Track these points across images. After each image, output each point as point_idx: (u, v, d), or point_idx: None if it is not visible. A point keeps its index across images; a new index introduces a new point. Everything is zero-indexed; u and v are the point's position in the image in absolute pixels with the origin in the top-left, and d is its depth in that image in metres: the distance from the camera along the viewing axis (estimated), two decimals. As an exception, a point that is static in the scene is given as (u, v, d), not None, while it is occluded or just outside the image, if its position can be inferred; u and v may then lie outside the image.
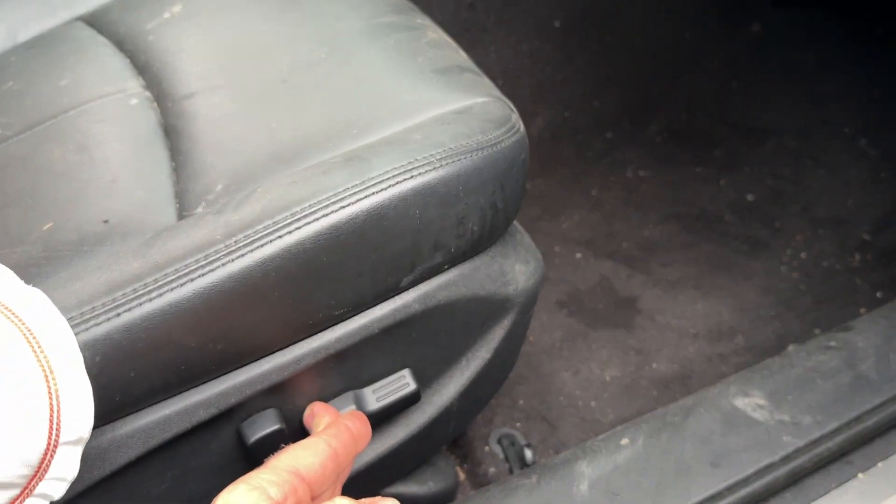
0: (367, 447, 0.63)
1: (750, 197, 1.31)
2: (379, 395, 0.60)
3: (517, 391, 1.01)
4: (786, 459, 0.67)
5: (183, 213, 0.55)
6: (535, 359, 1.05)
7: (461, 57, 0.67)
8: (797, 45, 1.52)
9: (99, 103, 0.65)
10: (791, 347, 0.84)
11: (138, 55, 0.71)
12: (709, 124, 1.45)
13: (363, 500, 0.47)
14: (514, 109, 0.62)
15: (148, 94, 0.67)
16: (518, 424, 0.97)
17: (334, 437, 0.51)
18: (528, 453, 0.89)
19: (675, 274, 1.18)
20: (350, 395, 0.60)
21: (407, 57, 0.65)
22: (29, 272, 0.50)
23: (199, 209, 0.54)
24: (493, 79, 1.35)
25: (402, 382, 0.61)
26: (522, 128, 0.60)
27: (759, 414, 0.71)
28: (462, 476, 0.93)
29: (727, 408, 0.72)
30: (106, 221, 0.54)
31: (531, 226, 1.26)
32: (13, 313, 0.40)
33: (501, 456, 0.92)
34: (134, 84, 0.68)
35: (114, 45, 0.73)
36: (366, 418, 0.57)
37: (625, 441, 0.70)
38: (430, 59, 0.65)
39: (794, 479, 0.68)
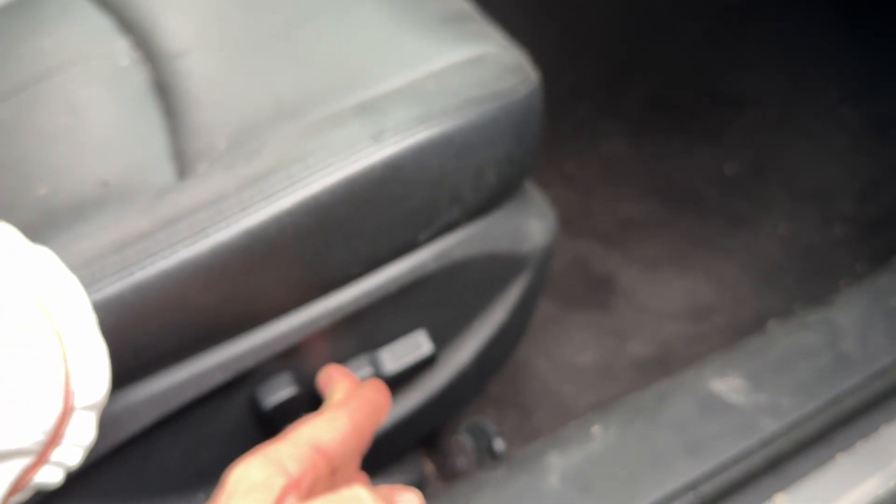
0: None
1: (729, 170, 1.29)
2: (395, 356, 0.60)
3: (489, 378, 0.99)
4: (764, 443, 0.66)
5: (184, 172, 0.54)
6: (508, 343, 1.03)
7: (467, 6, 0.65)
8: (776, 13, 1.50)
9: (87, 65, 0.64)
10: (771, 323, 0.83)
11: (124, 13, 0.68)
12: (686, 95, 1.42)
13: (381, 486, 0.46)
14: (527, 58, 0.60)
15: (138, 53, 0.65)
16: (490, 411, 0.95)
17: (356, 409, 0.49)
18: (498, 443, 0.87)
19: (653, 251, 1.16)
20: (365, 357, 0.60)
21: (412, 6, 0.63)
22: (27, 237, 0.49)
23: (202, 168, 0.53)
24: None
25: (417, 343, 0.61)
26: (536, 77, 0.58)
27: (737, 397, 0.70)
28: (431, 468, 0.91)
29: (703, 392, 0.71)
30: (105, 183, 0.53)
31: (504, 205, 1.24)
32: (19, 273, 0.38)
33: (472, 446, 0.90)
34: (122, 43, 0.65)
35: (98, 3, 0.71)
36: (386, 388, 0.55)
37: (596, 429, 0.68)
38: (437, 9, 0.63)
39: (773, 463, 0.67)
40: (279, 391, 0.56)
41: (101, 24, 0.68)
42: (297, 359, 0.56)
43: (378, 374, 0.60)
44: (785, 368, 0.72)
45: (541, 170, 1.27)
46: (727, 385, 0.71)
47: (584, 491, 0.63)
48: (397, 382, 0.61)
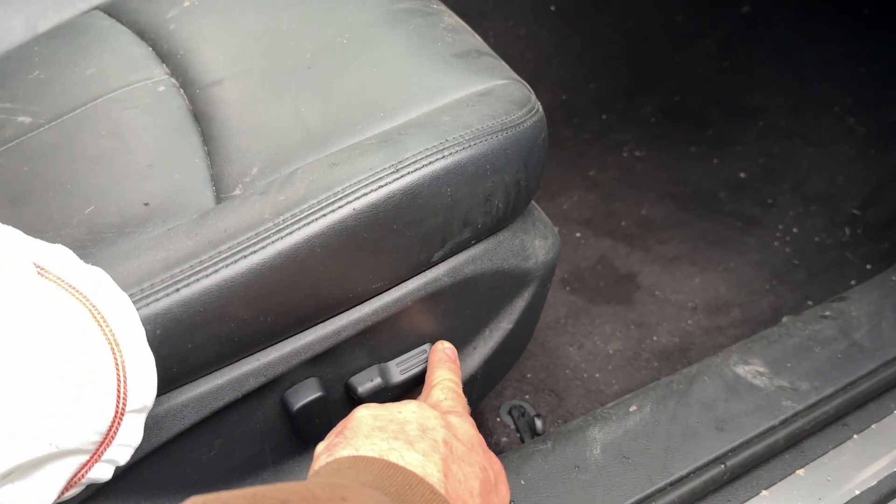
0: None
1: (742, 175, 1.34)
2: (403, 368, 0.63)
3: (525, 365, 1.04)
4: (785, 423, 0.70)
5: (220, 195, 0.57)
6: (541, 334, 1.08)
7: (478, 41, 0.69)
8: (786, 26, 1.54)
9: (127, 90, 0.67)
10: (786, 319, 0.87)
11: (160, 44, 0.72)
12: (701, 104, 1.47)
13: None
14: (532, 91, 0.64)
15: (174, 81, 0.68)
16: (527, 396, 1.00)
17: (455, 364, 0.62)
18: (539, 423, 0.92)
19: (673, 250, 1.21)
20: (376, 368, 0.63)
21: (427, 42, 0.67)
22: (76, 254, 0.51)
23: (237, 191, 0.57)
24: (492, 63, 1.37)
25: (424, 356, 0.64)
26: (541, 108, 0.62)
27: (760, 381, 0.74)
28: (475, 446, 0.96)
29: (729, 375, 0.74)
30: (147, 204, 0.56)
31: (531, 206, 1.28)
32: (77, 291, 0.42)
33: (512, 426, 0.95)
34: (159, 72, 0.69)
35: (135, 33, 0.74)
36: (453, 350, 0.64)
37: (633, 408, 0.72)
38: (450, 44, 0.67)
39: (794, 441, 0.70)
40: (306, 395, 0.59)
41: (139, 53, 0.72)
42: (322, 365, 0.59)
43: (387, 384, 0.63)
44: (802, 356, 0.76)
45: (566, 175, 1.34)
46: (750, 370, 0.75)
47: (624, 461, 0.67)
48: (407, 390, 0.65)
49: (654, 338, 1.08)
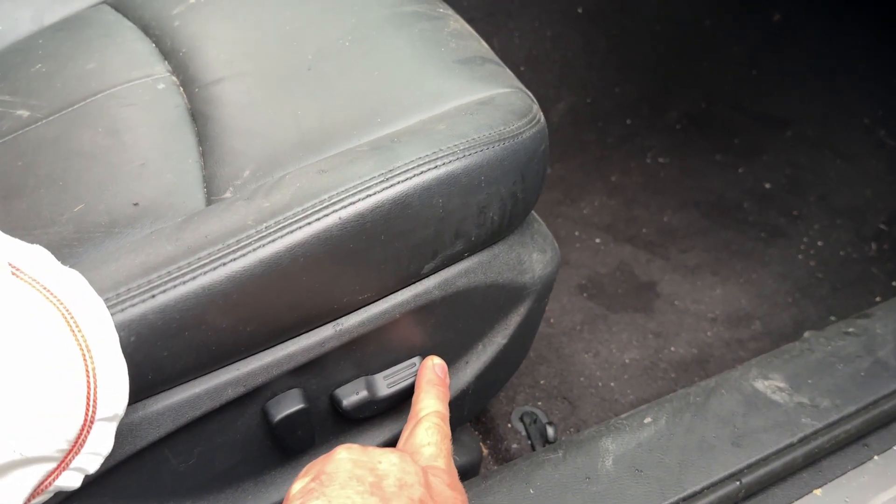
0: (381, 430, 0.65)
1: (768, 185, 1.32)
2: (390, 381, 0.62)
3: (539, 371, 1.02)
4: (804, 440, 0.68)
5: (211, 197, 0.56)
6: (556, 340, 1.06)
7: (483, 47, 0.68)
8: (817, 35, 1.52)
9: (127, 87, 0.66)
10: (808, 333, 0.85)
11: (164, 40, 0.71)
12: (728, 112, 1.46)
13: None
14: (535, 101, 0.62)
15: (174, 78, 0.67)
16: (539, 403, 0.99)
17: (445, 388, 0.60)
18: (550, 430, 0.91)
19: (694, 259, 1.20)
20: (362, 381, 0.61)
21: (430, 46, 0.65)
22: (62, 252, 0.51)
23: (227, 194, 0.55)
24: (517, 64, 1.37)
25: (413, 371, 0.62)
26: (543, 119, 0.61)
27: (779, 396, 0.72)
28: (485, 451, 0.95)
29: (748, 390, 0.73)
30: (136, 204, 0.55)
31: (552, 210, 1.27)
32: (52, 293, 0.41)
33: (523, 433, 0.94)
34: (160, 69, 0.68)
35: (140, 29, 0.74)
36: (443, 368, 0.62)
37: (648, 420, 0.71)
38: (453, 50, 0.65)
39: (812, 460, 0.69)
40: (287, 406, 0.57)
41: (142, 50, 0.71)
42: (306, 376, 0.58)
43: (373, 398, 0.61)
44: (824, 372, 0.74)
45: (588, 179, 1.33)
46: (770, 385, 0.73)
47: (636, 474, 0.66)
48: (395, 403, 0.63)
49: (672, 348, 1.07)
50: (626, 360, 1.05)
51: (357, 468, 0.46)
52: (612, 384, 1.01)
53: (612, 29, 1.47)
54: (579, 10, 1.42)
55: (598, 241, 1.23)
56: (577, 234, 1.24)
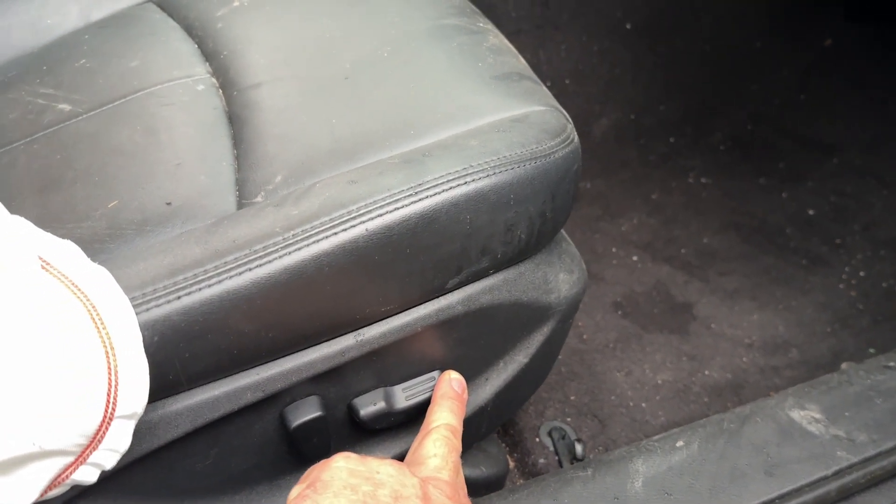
0: (397, 442, 0.65)
1: (811, 212, 1.30)
2: (409, 394, 0.62)
3: (569, 387, 1.02)
4: (839, 474, 0.67)
5: (242, 200, 0.56)
6: (589, 357, 1.06)
7: (521, 64, 0.67)
8: (868, 62, 1.50)
9: (167, 86, 0.67)
10: (846, 365, 0.84)
11: (207, 41, 0.72)
12: (774, 136, 1.44)
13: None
14: (570, 120, 0.62)
15: (214, 80, 0.68)
16: (569, 419, 0.98)
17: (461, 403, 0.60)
18: (579, 447, 0.90)
19: (733, 283, 1.18)
20: (380, 391, 0.61)
21: (468, 61, 0.65)
22: (93, 248, 0.52)
23: (259, 198, 0.56)
24: (562, 77, 1.37)
25: (431, 384, 0.62)
26: (576, 139, 0.60)
27: (815, 427, 0.71)
28: (511, 464, 0.95)
29: (784, 419, 0.72)
30: (169, 203, 0.56)
31: (590, 225, 1.27)
32: (79, 289, 0.41)
33: (551, 448, 0.94)
34: (201, 70, 0.69)
35: (183, 29, 0.74)
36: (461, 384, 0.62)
37: (680, 443, 0.70)
38: (490, 65, 0.65)
39: (846, 494, 0.68)
40: (305, 413, 0.57)
41: (184, 50, 0.71)
42: (324, 384, 0.58)
43: (391, 409, 0.61)
44: (862, 406, 0.73)
45: (628, 196, 1.32)
46: (806, 415, 0.72)
47: (666, 497, 0.65)
48: (413, 416, 0.63)
49: (706, 372, 1.05)
50: (659, 382, 1.04)
51: (352, 477, 0.46)
52: (643, 405, 1.00)
53: (660, 46, 1.46)
54: (628, 26, 1.41)
55: (635, 259, 1.22)
56: (614, 250, 1.24)
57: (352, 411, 0.61)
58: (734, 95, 1.49)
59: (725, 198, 1.33)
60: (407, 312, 0.57)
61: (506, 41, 0.70)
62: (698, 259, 1.22)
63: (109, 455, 0.41)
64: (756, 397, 1.00)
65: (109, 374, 0.40)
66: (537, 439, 0.95)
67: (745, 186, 1.35)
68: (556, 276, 0.65)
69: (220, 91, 0.67)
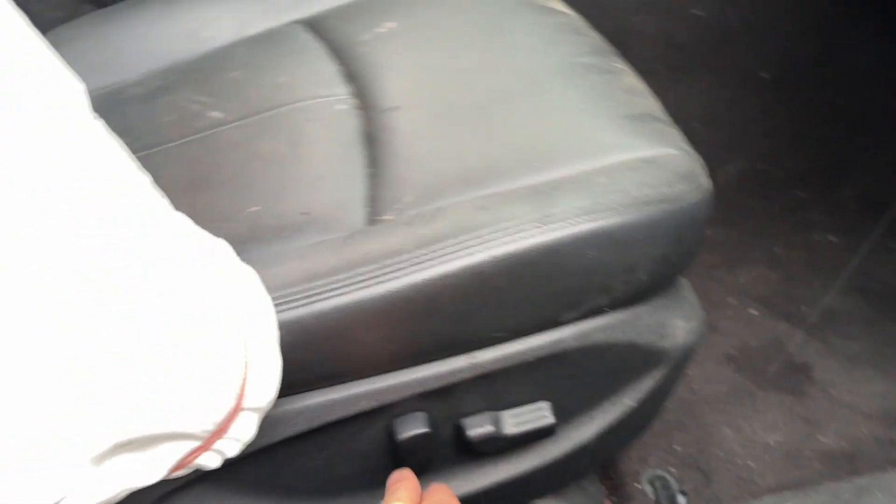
0: (501, 467, 0.66)
1: (943, 281, 1.24)
2: (516, 421, 0.62)
3: (675, 436, 0.99)
4: None
5: (372, 217, 0.58)
6: (697, 408, 1.03)
7: (654, 105, 0.67)
8: None
9: (311, 103, 0.70)
10: None
11: (349, 64, 0.75)
12: (906, 200, 1.38)
13: None
14: (704, 165, 0.61)
15: (355, 101, 0.70)
16: (672, 469, 0.96)
17: None
18: (682, 500, 0.88)
19: (855, 348, 1.13)
20: (488, 415, 0.62)
21: (600, 99, 0.65)
22: (235, 248, 0.53)
23: (388, 216, 0.58)
24: (690, 121, 1.34)
25: (540, 413, 0.63)
26: (709, 185, 0.59)
27: None
28: (609, 509, 0.93)
29: None
30: (306, 213, 0.59)
31: (707, 273, 1.24)
32: (230, 284, 0.43)
33: (652, 496, 0.92)
34: (343, 90, 0.72)
35: (329, 50, 0.77)
36: (451, 492, 0.50)
37: None
38: (623, 104, 0.65)
39: None
40: (412, 427, 0.60)
41: (329, 70, 0.74)
42: (433, 402, 0.60)
43: (498, 434, 0.62)
44: None
45: (749, 247, 1.29)
46: None
47: None
48: (515, 444, 0.64)
49: (821, 437, 1.01)
50: (770, 442, 1.00)
51: None
52: (751, 463, 0.97)
53: (793, 98, 1.43)
54: (763, 76, 1.38)
55: (752, 312, 1.19)
56: (729, 301, 1.20)
57: (458, 431, 0.62)
58: (868, 154, 1.43)
59: (852, 259, 1.28)
60: (520, 340, 0.59)
61: (640, 83, 0.70)
62: (819, 319, 1.18)
63: (233, 444, 0.43)
64: (871, 470, 0.95)
65: (244, 367, 0.41)
66: (637, 485, 0.93)
67: (874, 249, 1.30)
68: (672, 322, 0.64)
69: (360, 112, 0.69)
